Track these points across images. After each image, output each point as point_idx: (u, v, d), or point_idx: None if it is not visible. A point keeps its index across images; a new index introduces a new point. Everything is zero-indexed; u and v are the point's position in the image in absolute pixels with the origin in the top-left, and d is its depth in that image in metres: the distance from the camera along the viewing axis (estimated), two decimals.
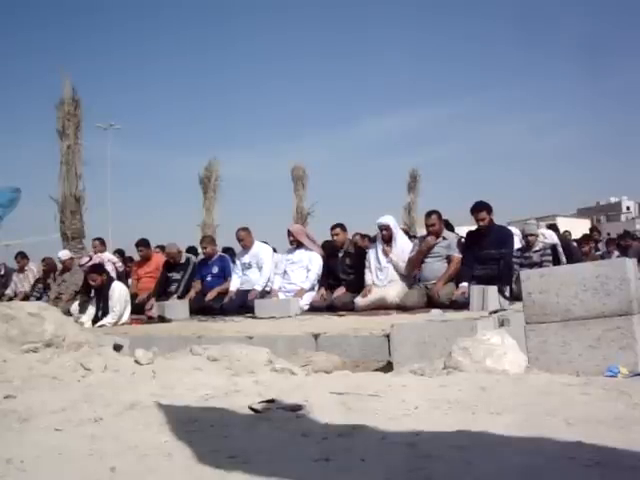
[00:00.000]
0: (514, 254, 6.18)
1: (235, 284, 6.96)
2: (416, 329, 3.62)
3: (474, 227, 6.09)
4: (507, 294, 5.41)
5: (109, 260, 9.24)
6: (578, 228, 18.12)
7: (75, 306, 7.35)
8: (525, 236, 6.57)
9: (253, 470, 1.56)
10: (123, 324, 6.39)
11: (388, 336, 3.69)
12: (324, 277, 6.65)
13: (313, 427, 1.95)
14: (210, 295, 6.95)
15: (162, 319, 6.27)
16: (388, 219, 6.36)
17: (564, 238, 10.17)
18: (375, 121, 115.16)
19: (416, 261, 6.05)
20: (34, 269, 9.54)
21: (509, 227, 6.98)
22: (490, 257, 5.73)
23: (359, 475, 1.53)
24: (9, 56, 65.45)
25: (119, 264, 9.59)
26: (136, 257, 8.90)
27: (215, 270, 7.34)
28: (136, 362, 2.95)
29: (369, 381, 2.71)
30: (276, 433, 1.90)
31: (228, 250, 8.52)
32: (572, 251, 8.61)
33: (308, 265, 6.70)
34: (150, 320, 6.53)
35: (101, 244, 9.88)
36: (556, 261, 6.22)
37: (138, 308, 7.07)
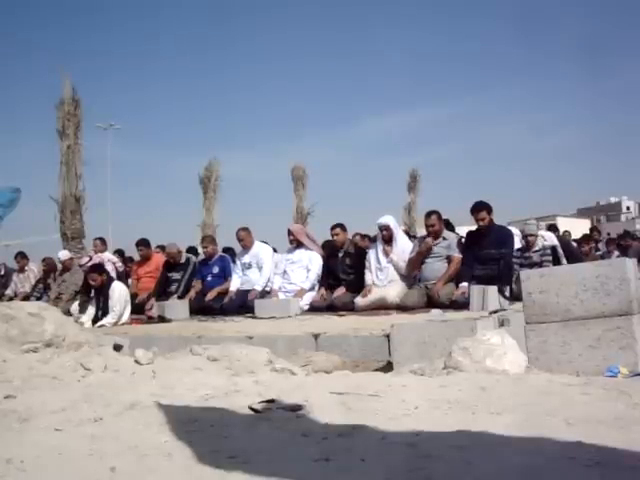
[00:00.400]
0: (514, 254, 6.18)
1: (235, 284, 6.96)
2: (416, 329, 3.62)
3: (474, 227, 6.08)
4: (507, 294, 5.41)
5: (109, 260, 9.24)
6: (578, 228, 18.12)
7: (75, 306, 7.35)
8: (525, 236, 6.57)
9: (253, 470, 1.56)
10: (123, 324, 6.40)
11: (388, 336, 3.69)
12: (324, 277, 6.65)
13: (313, 427, 1.95)
14: (210, 295, 6.96)
15: (162, 319, 6.27)
16: (388, 219, 6.36)
17: (564, 238, 10.18)
18: (375, 121, 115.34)
19: (416, 262, 6.05)
20: (35, 269, 9.54)
21: (509, 227, 6.98)
22: (490, 257, 5.73)
23: (359, 475, 1.53)
24: (9, 56, 65.53)
25: (119, 264, 9.59)
26: (136, 257, 8.90)
27: (215, 270, 7.35)
28: (136, 362, 2.95)
29: (369, 381, 2.71)
30: (276, 433, 1.90)
31: (228, 250, 8.52)
32: (572, 251, 8.62)
33: (308, 265, 6.70)
34: (150, 320, 6.53)
35: (102, 244, 9.88)
36: (556, 262, 6.21)
37: (138, 308, 7.07)
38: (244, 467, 1.58)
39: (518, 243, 6.63)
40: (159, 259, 8.10)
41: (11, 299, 8.55)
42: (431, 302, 5.62)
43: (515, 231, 6.87)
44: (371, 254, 6.37)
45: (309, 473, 1.56)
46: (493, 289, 4.99)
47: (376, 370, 3.50)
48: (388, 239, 6.28)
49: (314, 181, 21.07)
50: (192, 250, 9.23)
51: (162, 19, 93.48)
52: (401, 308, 5.69)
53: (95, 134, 27.68)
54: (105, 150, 28.69)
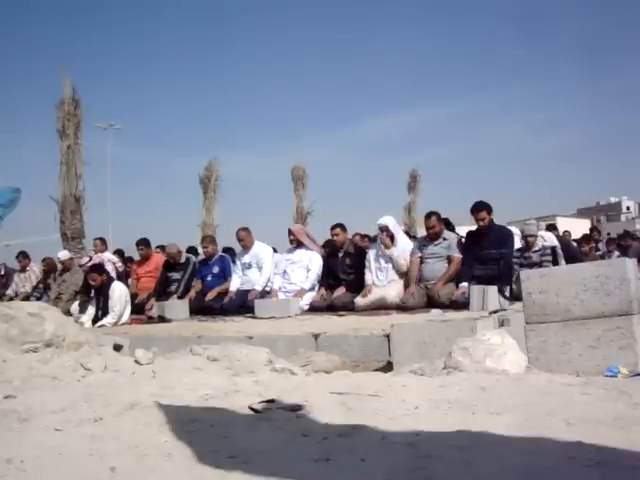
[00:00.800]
0: (514, 254, 6.18)
1: (235, 284, 6.96)
2: (416, 329, 3.62)
3: (474, 227, 6.08)
4: (507, 294, 5.41)
5: (109, 260, 9.24)
6: (578, 228, 18.12)
7: (75, 306, 7.34)
8: (525, 237, 6.57)
9: (253, 470, 1.56)
10: (123, 324, 6.40)
11: (388, 336, 3.69)
12: (324, 277, 6.65)
13: (313, 427, 1.95)
14: (210, 295, 6.96)
15: (162, 319, 6.27)
16: (388, 220, 6.36)
17: (564, 239, 10.18)
18: (375, 121, 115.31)
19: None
20: (36, 270, 9.53)
21: (509, 227, 6.98)
22: (490, 257, 5.73)
23: (359, 475, 1.53)
24: (9, 56, 65.52)
25: (119, 264, 9.59)
26: (136, 257, 8.90)
27: (215, 270, 7.35)
28: (136, 362, 2.95)
29: (369, 381, 2.71)
30: (276, 433, 1.90)
31: (228, 250, 8.52)
32: (572, 251, 8.62)
33: (308, 265, 6.70)
34: (150, 320, 6.53)
35: (102, 243, 9.88)
36: (555, 263, 6.21)
37: (138, 308, 7.07)
38: (244, 467, 1.58)
39: (518, 243, 6.64)
40: (159, 259, 8.10)
41: (11, 299, 8.55)
42: (431, 302, 5.62)
43: (515, 231, 6.87)
44: (371, 254, 6.37)
45: (309, 473, 1.56)
46: (493, 289, 4.99)
47: (376, 370, 3.50)
48: (388, 244, 6.26)
49: (314, 181, 21.09)
50: (192, 250, 9.23)
51: (162, 19, 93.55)
52: (401, 308, 5.69)
53: (95, 134, 27.68)
54: (105, 150, 28.69)
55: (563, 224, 20.42)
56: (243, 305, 6.47)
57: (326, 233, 7.33)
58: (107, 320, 6.36)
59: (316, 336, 4.15)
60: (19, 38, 72.70)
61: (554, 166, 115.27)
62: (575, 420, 1.94)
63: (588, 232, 12.08)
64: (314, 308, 6.28)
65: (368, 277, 6.25)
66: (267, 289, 6.81)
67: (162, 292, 7.41)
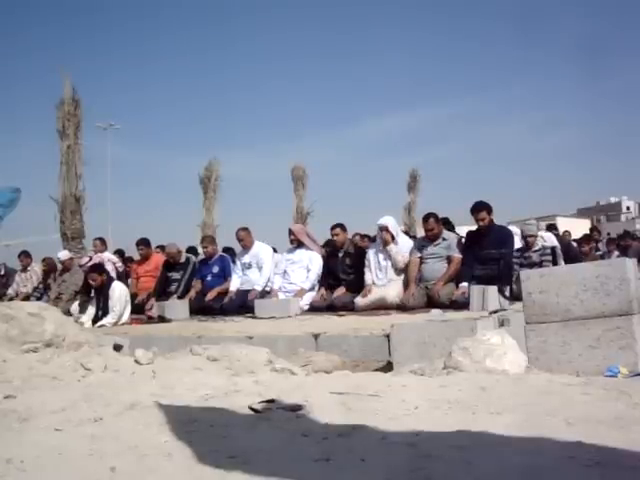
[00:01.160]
0: (514, 254, 6.18)
1: (235, 284, 6.96)
2: (416, 329, 3.62)
3: (474, 227, 6.09)
4: (507, 294, 5.41)
5: (109, 260, 9.24)
6: (578, 228, 18.11)
7: (75, 306, 7.35)
8: (524, 237, 6.57)
9: (253, 470, 1.56)
10: (123, 324, 6.40)
11: (388, 336, 3.69)
12: (324, 277, 6.65)
13: (313, 427, 1.95)
14: (210, 295, 6.95)
15: (162, 319, 6.27)
16: (388, 220, 6.36)
17: (564, 239, 10.19)
18: (375, 121, 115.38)
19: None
20: (38, 270, 9.53)
21: (509, 227, 6.98)
22: (490, 257, 5.73)
23: (359, 475, 1.53)
24: (9, 56, 65.56)
25: (119, 264, 9.59)
26: (136, 257, 8.90)
27: (215, 270, 7.35)
28: (136, 362, 2.95)
29: (369, 381, 2.71)
30: (276, 433, 1.90)
31: (228, 250, 8.52)
32: (572, 252, 8.63)
33: (308, 265, 6.70)
34: (150, 320, 6.53)
35: (102, 244, 9.88)
36: (555, 263, 6.21)
37: (138, 308, 7.07)
38: (244, 467, 1.58)
39: (518, 243, 6.64)
40: (159, 259, 8.10)
41: (12, 299, 8.56)
42: (431, 302, 5.62)
43: (515, 231, 6.87)
44: (370, 253, 6.37)
45: (309, 473, 1.56)
46: (493, 289, 4.99)
47: (376, 370, 3.50)
48: (388, 240, 6.27)
49: (314, 181, 21.09)
50: (192, 250, 9.23)
51: (162, 19, 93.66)
52: (401, 308, 5.70)
53: (95, 134, 27.69)
54: (105, 150, 28.71)
55: (563, 224, 20.41)
56: (243, 305, 6.47)
57: (326, 233, 7.34)
58: (107, 320, 6.36)
59: (316, 336, 4.15)
60: (19, 38, 72.80)
61: (554, 166, 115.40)
62: (575, 420, 1.94)
63: (588, 232, 12.08)
64: (314, 308, 6.28)
65: (368, 277, 6.25)
66: (267, 289, 6.81)
67: (162, 292, 7.40)
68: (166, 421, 2.03)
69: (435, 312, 5.02)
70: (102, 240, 10.09)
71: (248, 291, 6.73)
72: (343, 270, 6.61)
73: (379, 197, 53.51)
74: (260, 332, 4.48)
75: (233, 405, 2.24)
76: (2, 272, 10.31)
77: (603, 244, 11.42)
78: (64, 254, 8.81)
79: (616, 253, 9.70)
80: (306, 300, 6.42)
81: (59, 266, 8.76)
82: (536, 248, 6.44)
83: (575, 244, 10.29)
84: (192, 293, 7.16)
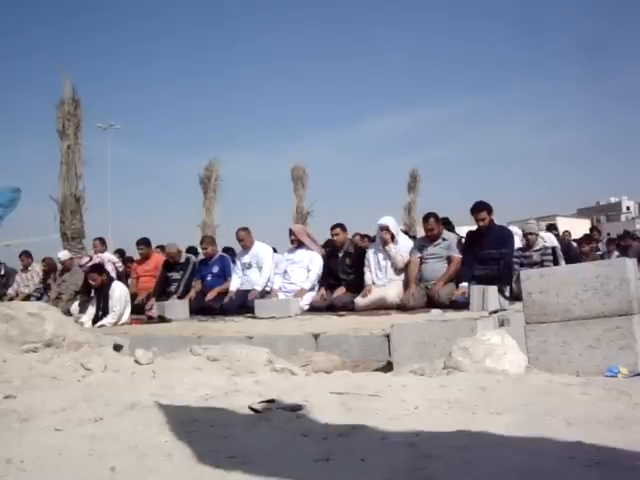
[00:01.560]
0: (515, 253, 6.18)
1: (235, 284, 6.96)
2: (416, 329, 3.62)
3: (474, 227, 6.09)
4: (507, 294, 5.41)
5: (109, 260, 9.24)
6: (578, 228, 18.12)
7: (75, 306, 7.35)
8: (525, 235, 6.57)
9: (253, 470, 1.56)
10: (123, 324, 6.40)
11: (388, 336, 3.68)
12: (324, 277, 6.65)
13: (313, 427, 1.95)
14: (210, 295, 6.95)
15: (162, 319, 6.27)
16: (388, 220, 6.36)
17: (565, 240, 10.19)
18: (375, 121, 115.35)
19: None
20: (38, 270, 9.54)
21: (509, 227, 6.98)
22: (490, 257, 5.73)
23: (359, 475, 1.53)
24: (9, 56, 65.57)
25: (119, 264, 9.59)
26: (136, 257, 8.90)
27: (215, 270, 7.35)
28: (136, 362, 2.95)
29: (369, 381, 2.71)
30: (276, 433, 1.90)
31: (228, 250, 8.52)
32: (572, 252, 8.63)
33: (309, 265, 6.70)
34: (150, 320, 6.53)
35: (101, 244, 9.89)
36: (555, 264, 6.21)
37: (138, 308, 7.07)
38: (244, 467, 1.58)
39: (518, 242, 6.64)
40: (159, 259, 8.10)
41: (12, 299, 8.56)
42: (431, 302, 5.62)
43: (515, 230, 6.87)
44: (370, 253, 6.37)
45: (309, 473, 1.56)
46: (493, 289, 4.99)
47: (376, 370, 3.50)
48: (387, 239, 6.27)
49: (314, 181, 21.08)
50: (192, 250, 9.23)
51: (162, 19, 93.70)
52: (401, 308, 5.70)
53: (95, 134, 27.70)
54: (105, 150, 28.74)
55: (563, 224, 20.42)
56: (243, 305, 6.47)
57: (326, 233, 7.34)
58: (107, 320, 6.36)
59: (316, 336, 4.15)
60: (19, 38, 72.80)
61: (554, 166, 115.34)
62: (575, 420, 1.94)
63: (588, 232, 12.08)
64: (314, 308, 6.28)
65: (368, 277, 6.25)
66: (267, 289, 6.81)
67: (162, 292, 7.40)
68: (166, 421, 2.03)
69: (435, 312, 5.02)
70: (102, 240, 10.09)
71: (248, 291, 6.73)
72: (343, 270, 6.61)
73: (379, 197, 53.57)
74: (260, 332, 4.48)
75: (233, 405, 2.24)
76: (2, 272, 10.31)
77: (603, 244, 11.42)
78: (64, 254, 8.81)
79: (616, 253, 9.71)
80: (306, 300, 6.42)
81: (59, 266, 8.76)
82: (537, 247, 6.44)
83: (575, 244, 10.30)
84: (192, 293, 7.16)
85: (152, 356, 3.01)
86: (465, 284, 5.51)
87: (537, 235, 6.62)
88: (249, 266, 7.01)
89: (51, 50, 65.81)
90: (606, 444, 1.67)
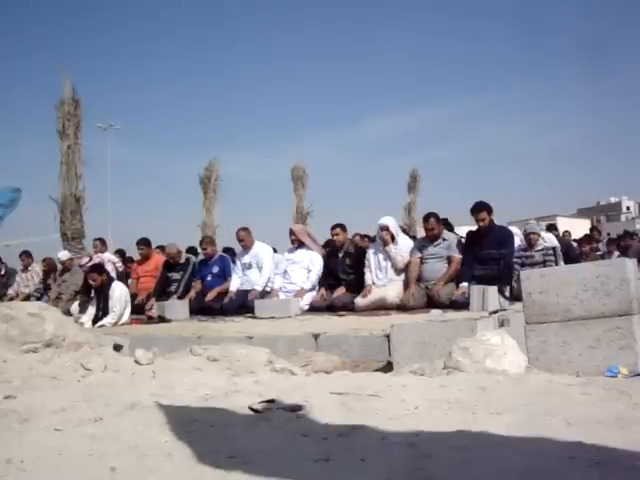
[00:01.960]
0: (516, 254, 6.18)
1: (235, 284, 6.96)
2: (416, 329, 3.62)
3: (474, 227, 6.09)
4: (507, 294, 5.41)
5: (109, 260, 9.24)
6: (578, 228, 18.12)
7: (75, 306, 7.35)
8: (527, 235, 6.57)
9: (253, 470, 1.56)
10: (123, 324, 6.40)
11: (388, 336, 3.68)
12: (324, 277, 6.65)
13: (313, 427, 1.95)
14: (210, 295, 6.95)
15: (162, 319, 6.27)
16: (388, 220, 6.36)
17: (565, 240, 10.20)
18: (375, 121, 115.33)
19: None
20: (38, 270, 9.54)
21: (509, 227, 6.99)
22: (490, 257, 5.73)
23: (359, 475, 1.53)
24: (9, 56, 65.61)
25: (119, 264, 9.59)
26: (136, 257, 8.90)
27: (215, 270, 7.34)
28: (136, 362, 2.95)
29: (369, 381, 2.71)
30: (276, 433, 1.90)
31: (228, 250, 8.52)
32: (572, 252, 8.63)
33: (309, 265, 6.70)
34: (150, 320, 6.53)
35: (101, 244, 9.89)
36: (556, 264, 6.22)
37: (138, 308, 7.07)
38: (244, 467, 1.58)
39: (518, 242, 6.64)
40: (159, 259, 8.10)
41: (12, 299, 8.56)
42: (431, 302, 5.62)
43: (515, 231, 6.88)
44: (370, 253, 6.37)
45: (309, 473, 1.56)
46: (493, 289, 4.99)
47: (376, 370, 3.50)
48: (388, 240, 6.27)
49: (314, 181, 21.06)
50: (192, 250, 9.23)
51: (162, 19, 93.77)
52: (401, 308, 5.70)
53: (95, 134, 27.72)
54: (105, 150, 28.76)
55: (563, 224, 20.43)
56: (243, 305, 6.47)
57: (326, 233, 7.34)
58: (107, 320, 6.36)
59: (316, 336, 4.15)
60: (19, 38, 72.84)
61: (554, 166, 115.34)
62: (575, 420, 1.94)
63: (588, 232, 12.08)
64: (314, 308, 6.28)
65: (368, 277, 6.25)
66: (267, 289, 6.81)
67: (162, 292, 7.40)
68: (166, 421, 2.03)
69: (435, 312, 5.02)
70: (102, 240, 10.09)
71: (248, 291, 6.73)
72: (343, 270, 6.61)
73: (379, 197, 53.53)
74: (260, 332, 4.48)
75: (233, 405, 2.24)
76: (2, 272, 10.31)
77: (603, 244, 11.42)
78: (64, 254, 8.82)
79: (616, 253, 9.71)
80: (306, 300, 6.42)
81: (59, 266, 8.76)
82: (539, 247, 6.44)
83: (575, 244, 10.30)
84: (192, 293, 7.16)
85: (152, 356, 3.01)
86: (465, 284, 5.51)
87: (539, 235, 6.63)
88: (249, 266, 7.01)
89: (51, 50, 65.96)
90: (606, 444, 1.67)
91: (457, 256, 5.90)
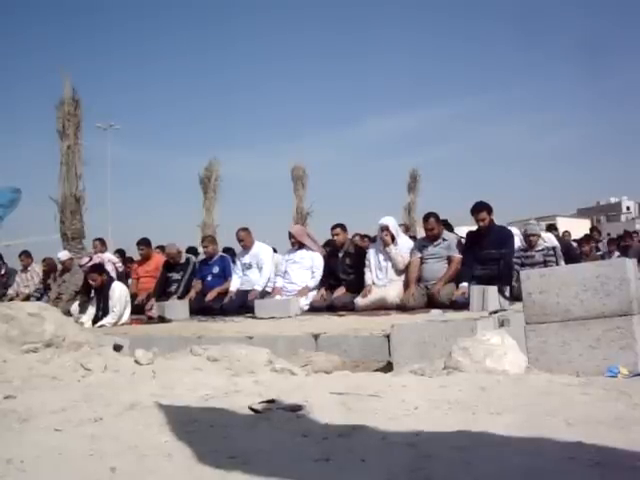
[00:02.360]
0: (516, 254, 6.18)
1: (235, 284, 6.96)
2: (416, 329, 3.62)
3: (474, 227, 6.09)
4: (507, 294, 5.41)
5: (109, 260, 9.25)
6: (578, 228, 18.12)
7: (75, 306, 7.35)
8: (527, 236, 6.57)
9: (253, 470, 1.56)
10: (123, 324, 6.40)
11: (388, 336, 3.68)
12: (324, 277, 6.65)
13: (313, 427, 1.95)
14: (210, 295, 6.95)
15: (162, 319, 6.27)
16: (389, 220, 6.36)
17: (565, 241, 10.19)
18: (375, 121, 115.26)
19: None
20: (39, 271, 9.54)
21: (509, 227, 6.98)
22: (490, 257, 5.73)
23: (359, 475, 1.53)
24: (9, 56, 65.61)
25: (119, 264, 9.59)
26: (136, 257, 8.90)
27: (216, 270, 7.35)
28: (136, 362, 2.95)
29: (369, 381, 2.71)
30: (276, 433, 1.90)
31: (228, 250, 8.53)
32: (572, 252, 8.63)
33: (312, 265, 6.70)
34: (150, 320, 6.53)
35: (101, 244, 9.90)
36: (555, 264, 6.21)
37: (138, 308, 7.07)
38: (244, 467, 1.58)
39: (518, 243, 6.64)
40: (159, 259, 8.10)
41: (12, 299, 8.56)
42: (431, 302, 5.62)
43: (515, 231, 6.87)
44: (371, 253, 6.37)
45: (309, 473, 1.56)
46: (493, 289, 4.99)
47: (376, 370, 3.50)
48: (388, 240, 6.27)
49: (314, 181, 21.09)
50: (192, 250, 9.24)
51: (162, 19, 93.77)
52: (401, 308, 5.70)
53: (95, 134, 27.71)
54: (105, 150, 28.76)
55: (563, 224, 20.43)
56: (243, 305, 6.47)
57: (326, 233, 7.35)
58: (107, 320, 6.36)
59: (316, 336, 4.15)
60: (19, 38, 72.84)
61: (554, 166, 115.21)
62: (575, 420, 1.94)
63: (588, 232, 12.09)
64: (314, 308, 6.28)
65: (368, 277, 6.25)
66: (267, 289, 6.82)
67: (162, 292, 7.41)
68: (166, 421, 2.03)
69: (435, 312, 5.02)
70: (102, 241, 10.10)
71: (248, 291, 6.73)
72: (343, 270, 6.61)
73: (379, 197, 53.46)
74: (260, 332, 4.48)
75: (233, 405, 2.24)
76: (2, 272, 10.31)
77: (604, 244, 11.42)
78: (64, 254, 8.81)
79: (617, 253, 9.71)
80: (306, 300, 6.42)
81: (59, 266, 8.76)
82: (539, 247, 6.44)
83: (575, 244, 10.30)
84: (192, 293, 7.16)
85: (152, 356, 3.01)
86: (465, 284, 5.50)
87: (539, 236, 6.62)
88: (249, 266, 7.01)
89: (51, 50, 65.89)
90: (606, 444, 1.67)
91: (457, 256, 5.89)
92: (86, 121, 12.75)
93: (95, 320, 6.49)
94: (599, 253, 10.28)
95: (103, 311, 6.50)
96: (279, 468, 1.57)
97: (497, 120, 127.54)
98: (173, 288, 7.44)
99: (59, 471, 1.62)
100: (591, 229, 13.83)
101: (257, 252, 7.02)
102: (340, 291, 6.40)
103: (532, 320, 3.43)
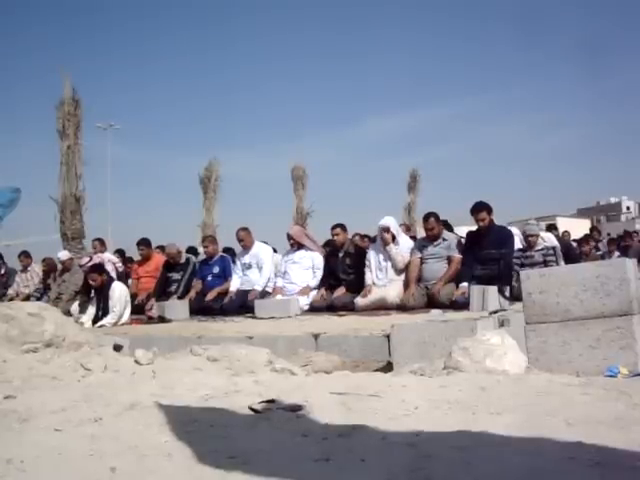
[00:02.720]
0: (516, 254, 6.18)
1: (235, 284, 6.97)
2: (416, 329, 3.62)
3: (474, 227, 6.09)
4: (507, 294, 5.41)
5: (109, 260, 9.25)
6: (578, 228, 18.12)
7: (75, 306, 7.35)
8: (526, 237, 6.57)
9: (253, 470, 1.56)
10: (123, 324, 6.40)
11: (388, 336, 3.68)
12: (324, 277, 6.66)
13: (313, 427, 1.95)
14: (210, 295, 6.96)
15: (162, 319, 6.27)
16: (389, 220, 6.36)
17: (565, 241, 10.20)
18: (375, 121, 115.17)
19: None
20: (38, 271, 9.54)
21: (509, 227, 6.99)
22: (490, 257, 5.73)
23: (359, 475, 1.53)
24: (9, 56, 65.61)
25: (119, 264, 9.60)
26: (136, 257, 8.90)
27: (216, 270, 7.35)
28: (136, 362, 2.95)
29: (369, 381, 2.71)
30: (276, 433, 1.90)
31: (228, 250, 8.53)
32: (572, 252, 8.63)
33: (313, 265, 6.71)
34: (150, 320, 6.53)
35: (101, 244, 9.90)
36: (555, 264, 6.21)
37: (138, 308, 7.07)
38: (244, 467, 1.58)
39: (518, 243, 6.64)
40: (159, 259, 8.11)
41: (12, 299, 8.56)
42: (431, 302, 5.62)
43: (515, 231, 6.87)
44: (371, 253, 6.37)
45: (309, 473, 1.56)
46: (493, 289, 4.99)
47: (376, 370, 3.50)
48: (388, 240, 6.27)
49: (314, 181, 21.09)
50: (192, 250, 9.24)
51: (162, 19, 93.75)
52: (401, 308, 5.70)
53: (95, 134, 27.73)
54: (105, 150, 28.76)
55: (563, 224, 20.40)
56: (243, 305, 6.47)
57: (326, 233, 7.35)
58: (107, 320, 6.36)
59: (316, 336, 4.15)
60: (19, 38, 72.82)
61: (554, 166, 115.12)
62: (575, 420, 1.94)
63: (588, 232, 12.09)
64: (314, 308, 6.28)
65: (368, 277, 6.25)
66: (267, 289, 6.82)
67: (162, 292, 7.41)
68: (166, 421, 2.03)
69: (435, 312, 5.02)
70: (102, 241, 10.10)
71: (248, 291, 6.73)
72: (343, 270, 6.61)
73: (379, 197, 53.46)
74: (260, 332, 4.48)
75: (233, 405, 2.24)
76: (2, 271, 10.31)
77: (604, 244, 11.42)
78: (64, 254, 8.81)
79: (617, 253, 9.72)
80: (306, 300, 6.42)
81: (59, 266, 8.76)
82: (539, 248, 6.44)
83: (575, 244, 10.31)
84: (192, 293, 7.16)
85: (152, 356, 3.01)
86: (465, 284, 5.51)
87: (538, 236, 6.62)
88: (249, 266, 7.01)
89: (51, 50, 65.87)
90: (606, 444, 1.67)
91: (457, 256, 5.90)
92: (86, 121, 12.79)
93: (95, 320, 6.49)
94: (599, 253, 10.28)
95: (103, 311, 6.50)
96: (279, 468, 1.57)
97: (497, 120, 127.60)
98: (173, 288, 7.44)
99: (59, 471, 1.62)
100: (591, 229, 13.84)
101: (257, 252, 7.03)
102: (340, 291, 6.40)
103: (532, 320, 3.43)
